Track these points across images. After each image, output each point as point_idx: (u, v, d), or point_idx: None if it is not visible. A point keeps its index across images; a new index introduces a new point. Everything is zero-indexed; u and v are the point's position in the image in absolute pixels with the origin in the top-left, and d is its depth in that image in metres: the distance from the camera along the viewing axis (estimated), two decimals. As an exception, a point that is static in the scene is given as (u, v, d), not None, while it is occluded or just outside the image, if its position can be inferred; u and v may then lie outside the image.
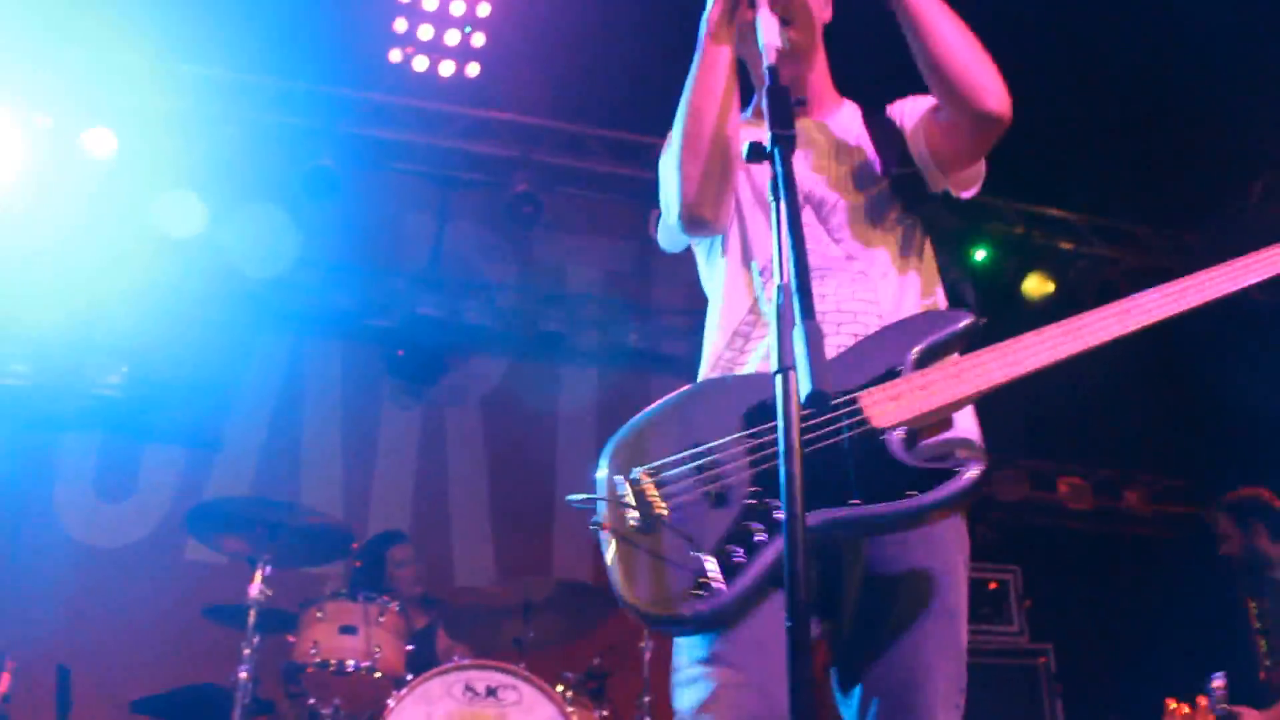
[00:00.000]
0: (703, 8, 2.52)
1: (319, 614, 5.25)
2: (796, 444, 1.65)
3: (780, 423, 1.66)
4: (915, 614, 2.22)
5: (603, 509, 2.17)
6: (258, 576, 5.15)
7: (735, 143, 2.42)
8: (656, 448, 2.20)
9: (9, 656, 5.67)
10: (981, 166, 2.63)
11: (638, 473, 2.16)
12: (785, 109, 1.92)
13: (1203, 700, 6.08)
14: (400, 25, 7.42)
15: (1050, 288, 8.80)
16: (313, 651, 5.13)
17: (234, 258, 7.54)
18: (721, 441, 2.16)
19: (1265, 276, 2.27)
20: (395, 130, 7.99)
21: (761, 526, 2.07)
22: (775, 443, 1.95)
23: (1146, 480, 9.42)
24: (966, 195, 2.66)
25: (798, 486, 1.61)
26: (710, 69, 2.39)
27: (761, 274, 2.48)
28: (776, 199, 1.81)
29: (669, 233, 2.63)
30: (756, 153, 1.90)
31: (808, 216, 2.47)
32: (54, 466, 7.44)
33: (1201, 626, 8.09)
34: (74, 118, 7.18)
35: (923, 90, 2.55)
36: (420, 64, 7.56)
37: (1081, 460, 9.22)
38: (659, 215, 2.67)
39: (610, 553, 2.14)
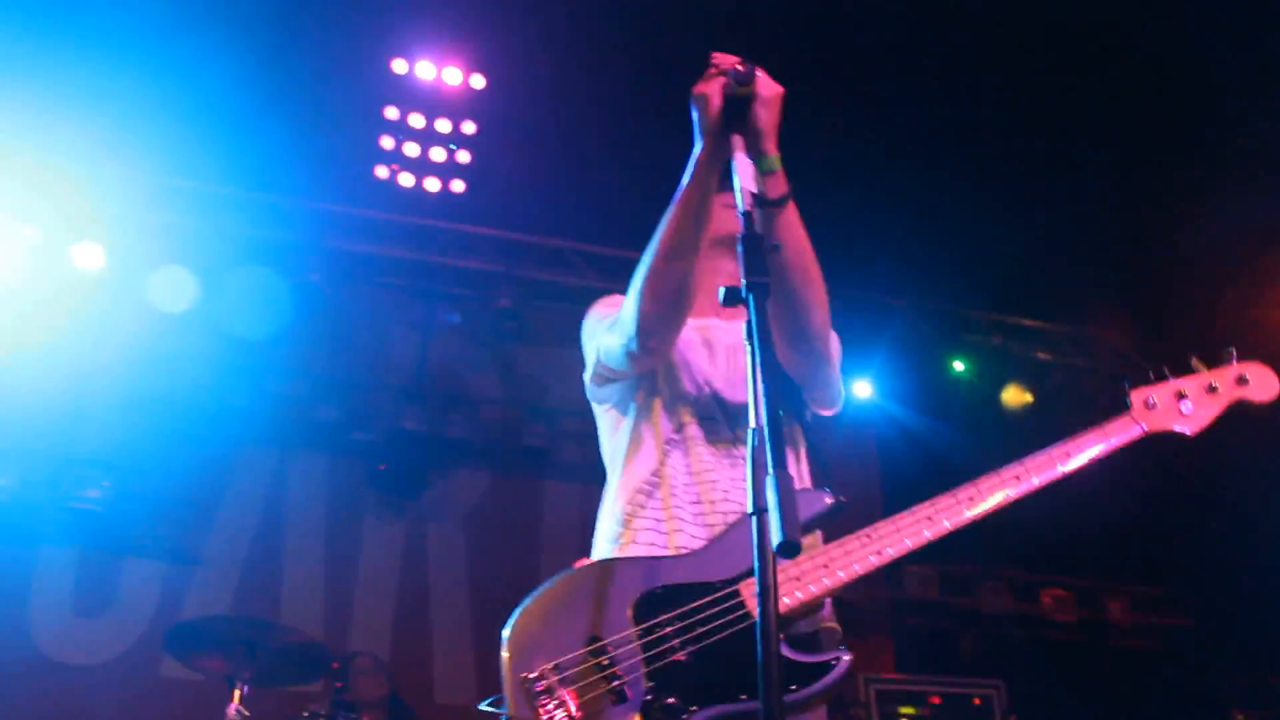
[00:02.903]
0: (686, 135, 2.60)
1: (297, 735, 5.17)
2: (773, 583, 1.68)
3: (757, 562, 1.69)
4: None
5: (514, 705, 2.28)
6: (236, 696, 5.06)
7: (703, 284, 2.55)
8: (556, 640, 2.33)
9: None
10: (834, 391, 2.75)
11: (545, 668, 2.29)
12: (759, 256, 1.98)
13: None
14: (387, 142, 7.57)
15: (1029, 398, 8.89)
16: (291, 774, 5.06)
17: (220, 371, 7.59)
18: (617, 639, 2.31)
19: (1087, 461, 2.59)
20: (381, 245, 8.13)
21: None
22: (665, 639, 2.29)
23: (1129, 590, 9.40)
24: (826, 414, 2.81)
25: (773, 628, 1.64)
26: (690, 208, 2.46)
27: (667, 444, 2.63)
28: (751, 344, 1.87)
29: (613, 363, 2.69)
30: (732, 298, 1.96)
31: (705, 405, 2.67)
32: (30, 581, 7.31)
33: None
34: (63, 231, 7.27)
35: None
36: (406, 180, 7.71)
37: (1063, 571, 9.21)
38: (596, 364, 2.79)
39: None
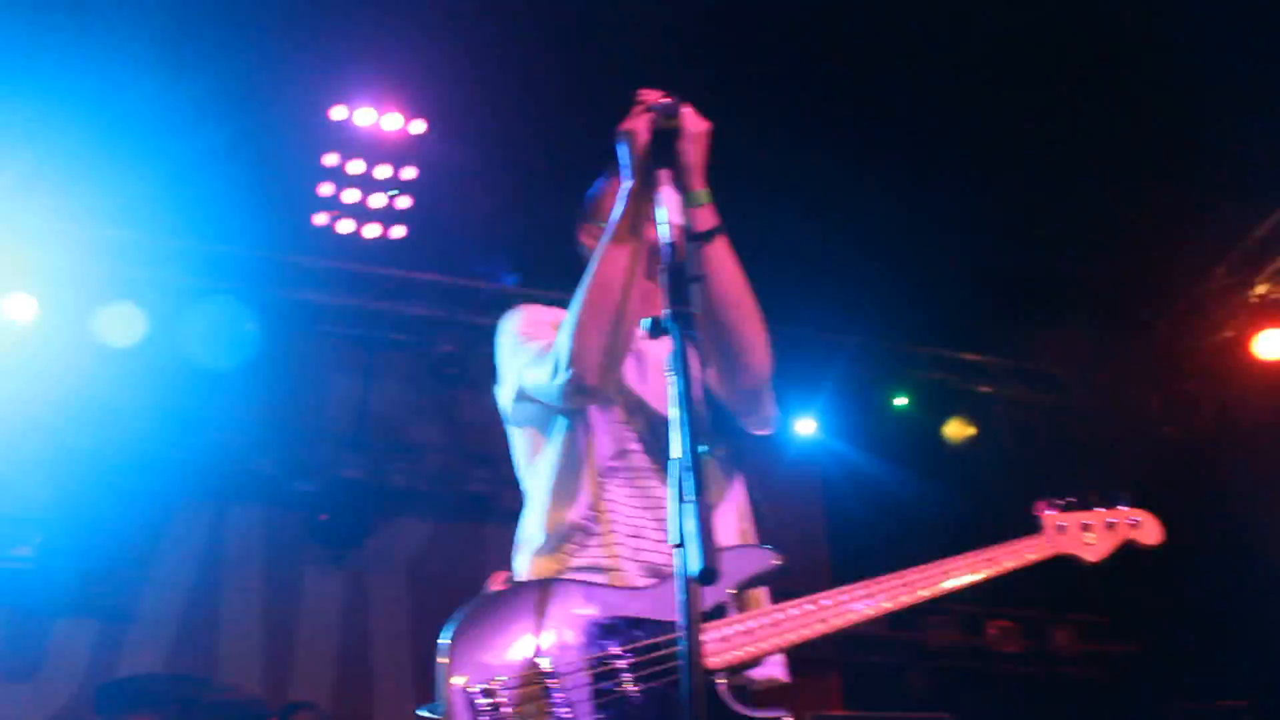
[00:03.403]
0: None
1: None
2: (696, 616, 1.67)
3: (680, 595, 1.68)
4: None
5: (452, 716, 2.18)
6: (170, 756, 4.96)
7: (637, 317, 2.47)
8: (501, 655, 2.24)
9: None
10: (767, 414, 2.71)
11: (493, 684, 2.20)
12: (683, 286, 1.99)
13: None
14: (325, 189, 7.52)
15: (971, 431, 8.97)
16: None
17: (154, 423, 7.45)
18: (568, 664, 2.24)
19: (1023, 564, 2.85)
20: (320, 293, 8.05)
21: None
22: (617, 672, 2.22)
23: (1073, 619, 9.48)
24: (760, 434, 2.76)
25: (696, 661, 1.62)
26: (623, 242, 2.46)
27: (603, 475, 2.56)
28: (675, 374, 1.86)
29: (542, 398, 2.61)
30: (656, 329, 1.96)
31: (640, 427, 2.62)
32: (-45, 644, 7.09)
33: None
34: (-5, 282, 7.12)
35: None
36: (345, 227, 7.65)
37: (1008, 602, 9.26)
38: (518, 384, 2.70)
39: None
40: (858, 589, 2.52)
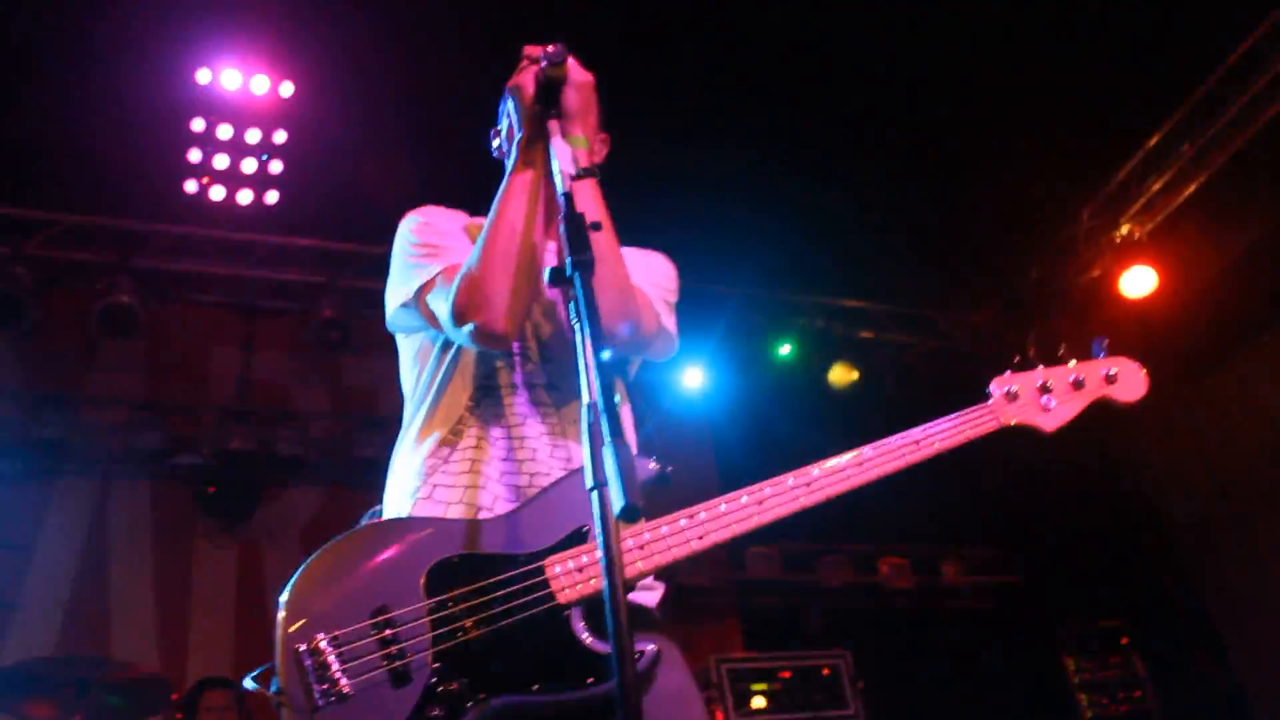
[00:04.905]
0: (505, 126, 2.61)
1: (137, 775, 4.95)
2: (618, 554, 1.68)
3: (600, 538, 1.69)
4: None
5: (285, 680, 2.07)
6: (68, 741, 4.84)
7: (543, 260, 2.49)
8: (338, 608, 2.12)
9: None
10: (657, 350, 2.72)
11: (321, 640, 2.09)
12: (582, 234, 1.99)
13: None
14: (194, 155, 7.32)
15: (854, 376, 9.14)
16: (132, 816, 4.84)
17: (28, 403, 7.20)
18: (405, 612, 2.12)
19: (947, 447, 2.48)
20: (194, 261, 7.84)
21: (441, 712, 2.06)
22: (458, 616, 2.10)
23: (962, 553, 9.80)
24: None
25: (621, 600, 1.64)
26: (523, 190, 2.46)
27: (479, 389, 2.51)
28: (579, 321, 1.87)
29: (446, 332, 2.51)
30: (557, 277, 1.96)
31: (522, 343, 2.57)
32: None
33: (1026, 687, 8.47)
34: None
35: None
36: (217, 193, 7.45)
37: (900, 539, 9.52)
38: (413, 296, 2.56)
39: None
40: (746, 493, 2.31)
